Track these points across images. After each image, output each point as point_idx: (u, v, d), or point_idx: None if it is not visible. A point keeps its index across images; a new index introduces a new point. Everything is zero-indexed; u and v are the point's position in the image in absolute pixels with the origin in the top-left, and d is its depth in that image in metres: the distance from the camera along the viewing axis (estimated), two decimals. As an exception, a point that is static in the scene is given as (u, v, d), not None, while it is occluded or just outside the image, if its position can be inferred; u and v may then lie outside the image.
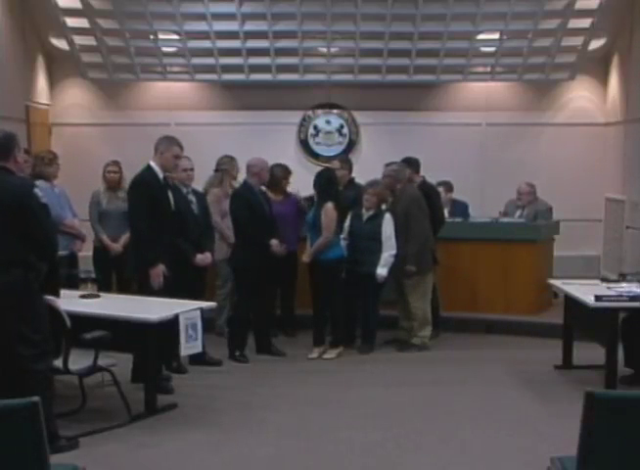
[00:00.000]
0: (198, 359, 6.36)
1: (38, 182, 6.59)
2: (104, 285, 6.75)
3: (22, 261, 4.41)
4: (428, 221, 7.17)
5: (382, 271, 6.93)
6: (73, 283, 6.49)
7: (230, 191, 7.18)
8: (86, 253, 7.39)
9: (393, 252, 6.96)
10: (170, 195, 6.00)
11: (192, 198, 6.66)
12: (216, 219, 7.16)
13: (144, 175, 5.93)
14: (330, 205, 6.78)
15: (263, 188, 7.02)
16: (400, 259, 6.99)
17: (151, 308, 5.40)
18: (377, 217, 7.02)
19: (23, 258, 4.41)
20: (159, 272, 5.80)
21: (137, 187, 5.93)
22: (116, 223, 7.23)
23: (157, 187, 5.88)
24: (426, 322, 7.22)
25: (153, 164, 5.92)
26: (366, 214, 7.07)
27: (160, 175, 5.91)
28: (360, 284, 6.99)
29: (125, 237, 7.24)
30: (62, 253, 6.57)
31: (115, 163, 7.44)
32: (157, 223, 5.81)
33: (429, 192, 7.39)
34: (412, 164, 7.44)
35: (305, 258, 6.95)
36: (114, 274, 7.35)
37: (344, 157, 8.95)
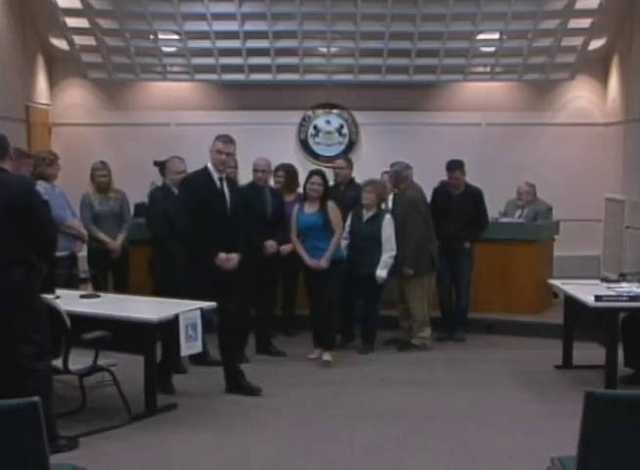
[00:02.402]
0: (199, 359, 6.35)
1: (39, 183, 6.61)
2: (101, 286, 6.73)
3: (24, 261, 4.41)
4: (427, 224, 7.17)
5: (381, 273, 6.92)
6: (73, 283, 6.49)
7: None
8: (86, 253, 7.39)
9: (393, 253, 6.95)
10: (227, 194, 5.81)
11: None
12: None
13: (191, 174, 6.03)
14: (333, 203, 6.73)
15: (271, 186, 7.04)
16: (398, 261, 6.99)
17: (151, 308, 5.40)
18: (377, 218, 7.00)
19: (25, 258, 4.41)
20: (222, 257, 5.70)
21: (182, 184, 6.02)
22: (110, 224, 7.23)
23: (204, 184, 5.76)
24: (425, 323, 7.23)
25: (209, 164, 5.84)
26: (366, 215, 7.04)
27: (215, 175, 5.76)
28: (360, 284, 6.98)
29: (122, 237, 7.24)
30: (62, 253, 6.62)
31: (104, 165, 7.36)
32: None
33: (474, 193, 7.57)
34: (463, 166, 7.61)
35: (323, 263, 6.61)
36: (111, 275, 7.32)
37: (347, 156, 8.98)
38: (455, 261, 7.56)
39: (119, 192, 7.37)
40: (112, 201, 7.29)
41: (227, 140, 5.78)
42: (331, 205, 6.70)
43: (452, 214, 7.45)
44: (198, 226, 5.63)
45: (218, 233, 5.65)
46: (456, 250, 7.48)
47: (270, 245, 6.73)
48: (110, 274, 7.32)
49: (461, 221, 7.46)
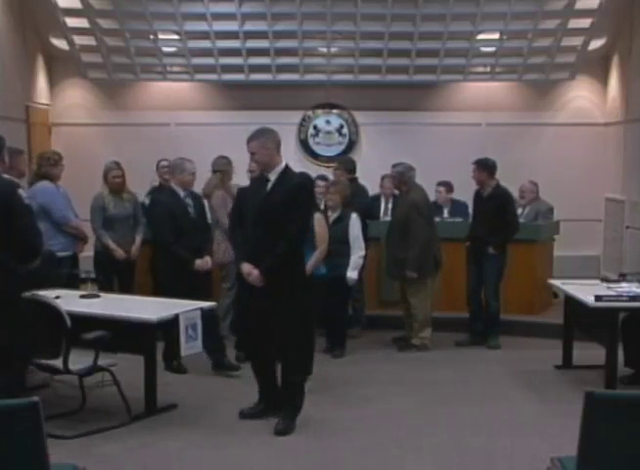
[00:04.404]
0: (219, 366, 6.29)
1: (43, 183, 6.60)
2: (106, 289, 6.67)
3: (2, 266, 4.23)
4: (430, 226, 7.14)
5: (352, 274, 6.72)
6: (74, 283, 6.47)
7: (234, 191, 7.11)
8: (87, 253, 7.36)
9: (362, 253, 6.77)
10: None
11: (189, 201, 6.41)
12: (224, 221, 7.06)
13: None
14: (319, 215, 6.34)
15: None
16: (401, 263, 6.97)
17: (151, 308, 5.40)
18: (342, 219, 6.74)
19: (4, 263, 4.24)
20: (245, 269, 4.97)
21: None
22: (125, 228, 7.04)
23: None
24: (426, 323, 7.23)
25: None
26: (332, 217, 6.79)
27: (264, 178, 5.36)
28: (330, 287, 6.60)
29: (139, 240, 7.08)
30: (64, 253, 6.62)
31: (118, 165, 7.11)
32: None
33: (501, 197, 7.30)
34: (488, 166, 7.35)
35: None
36: (117, 278, 7.20)
37: (342, 158, 8.94)
38: (481, 266, 7.32)
39: (132, 193, 7.18)
40: (126, 202, 7.06)
41: (248, 139, 5.34)
42: (317, 216, 6.26)
43: (479, 216, 7.35)
44: (239, 234, 5.14)
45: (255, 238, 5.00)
46: (481, 254, 7.26)
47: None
48: (115, 277, 7.11)
49: (486, 224, 7.21)
